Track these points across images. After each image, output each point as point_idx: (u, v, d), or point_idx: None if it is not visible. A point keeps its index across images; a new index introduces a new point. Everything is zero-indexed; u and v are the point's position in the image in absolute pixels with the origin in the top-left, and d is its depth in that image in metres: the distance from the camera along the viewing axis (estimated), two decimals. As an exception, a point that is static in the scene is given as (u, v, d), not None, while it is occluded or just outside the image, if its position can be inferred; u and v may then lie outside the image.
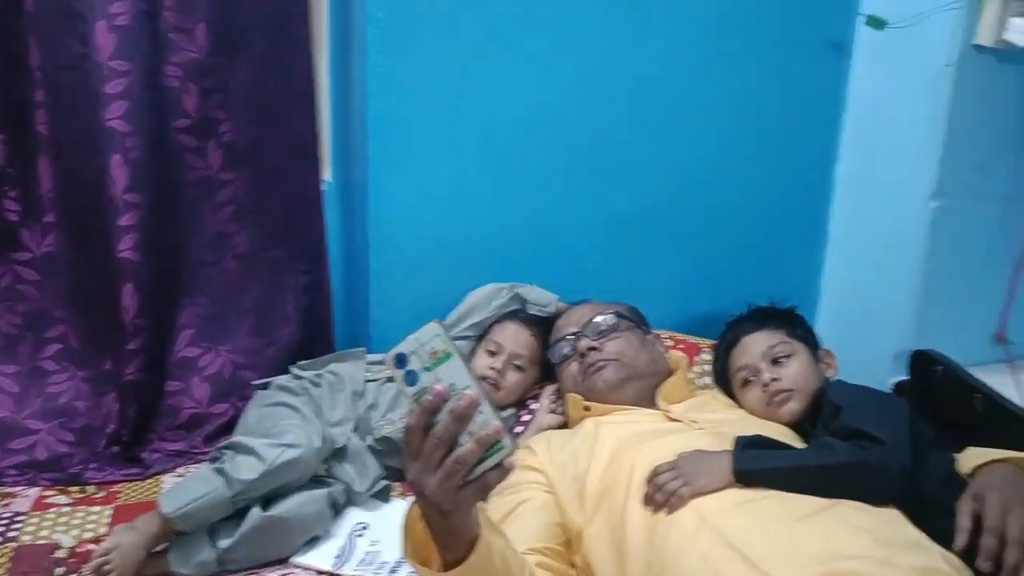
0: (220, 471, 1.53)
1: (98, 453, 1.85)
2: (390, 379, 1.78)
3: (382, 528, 1.62)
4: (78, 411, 1.89)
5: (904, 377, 1.85)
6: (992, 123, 1.86)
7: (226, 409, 1.95)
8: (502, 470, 0.91)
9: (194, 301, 1.96)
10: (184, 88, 1.84)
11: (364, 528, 1.64)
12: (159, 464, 1.84)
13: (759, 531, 1.19)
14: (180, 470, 1.83)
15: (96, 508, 1.70)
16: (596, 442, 1.46)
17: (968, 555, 1.19)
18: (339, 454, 1.71)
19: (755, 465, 1.29)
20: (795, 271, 2.19)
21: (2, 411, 1.84)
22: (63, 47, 1.75)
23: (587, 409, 1.61)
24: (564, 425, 1.70)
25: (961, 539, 1.20)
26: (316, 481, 1.64)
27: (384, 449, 1.75)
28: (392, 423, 1.75)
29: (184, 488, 1.53)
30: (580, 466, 1.44)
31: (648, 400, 1.61)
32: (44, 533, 1.60)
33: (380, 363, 1.87)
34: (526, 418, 1.82)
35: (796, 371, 1.57)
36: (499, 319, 1.90)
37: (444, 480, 0.89)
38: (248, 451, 1.56)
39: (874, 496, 1.27)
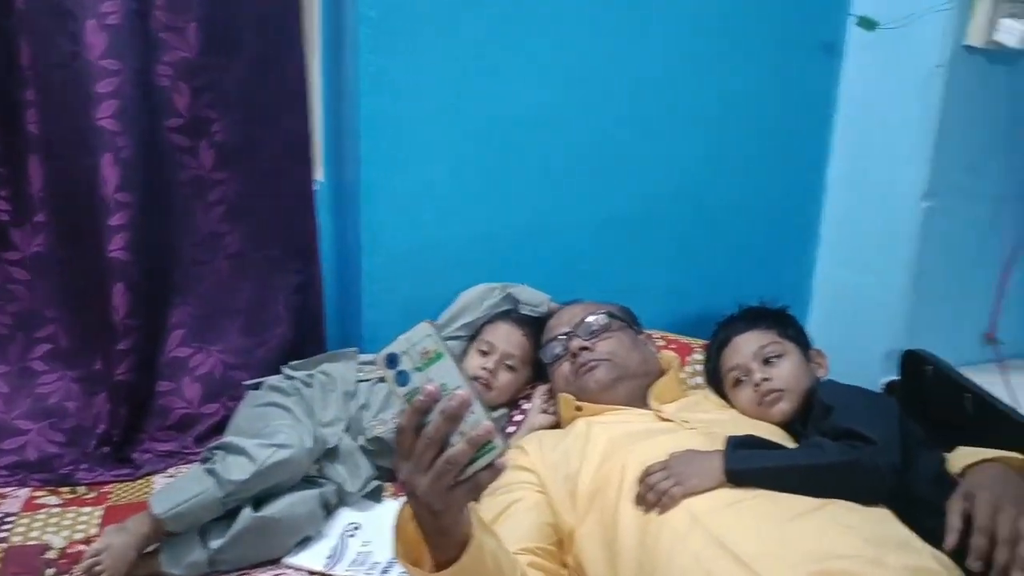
0: (211, 471, 1.52)
1: (88, 453, 1.84)
2: (382, 379, 1.78)
3: (374, 528, 1.62)
4: (68, 411, 1.89)
5: (895, 377, 1.86)
6: (983, 124, 1.87)
7: (217, 409, 1.94)
8: (493, 470, 0.91)
9: (185, 301, 1.96)
10: (175, 87, 1.83)
11: (356, 528, 1.64)
12: (150, 464, 1.84)
13: (750, 531, 1.20)
14: (171, 471, 1.83)
15: (87, 509, 1.69)
16: (588, 442, 1.46)
17: (958, 554, 1.20)
18: (331, 454, 1.71)
19: (746, 465, 1.29)
20: (787, 271, 2.20)
21: (-8, 411, 1.84)
22: (54, 46, 1.75)
23: (579, 409, 1.61)
24: (556, 425, 1.70)
25: (951, 538, 1.21)
26: (308, 481, 1.64)
27: (376, 449, 1.74)
28: (384, 423, 1.75)
29: (175, 489, 1.53)
30: (572, 466, 1.44)
31: (640, 400, 1.61)
32: (34, 534, 1.60)
33: (372, 363, 1.86)
34: (518, 418, 1.82)
35: (787, 371, 1.57)
36: (491, 319, 1.90)
37: (435, 480, 0.89)
38: (239, 451, 1.55)
39: (865, 496, 1.27)
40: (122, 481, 1.80)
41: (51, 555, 1.54)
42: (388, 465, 1.73)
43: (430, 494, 0.90)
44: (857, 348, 2.00)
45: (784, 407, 1.55)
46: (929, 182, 1.86)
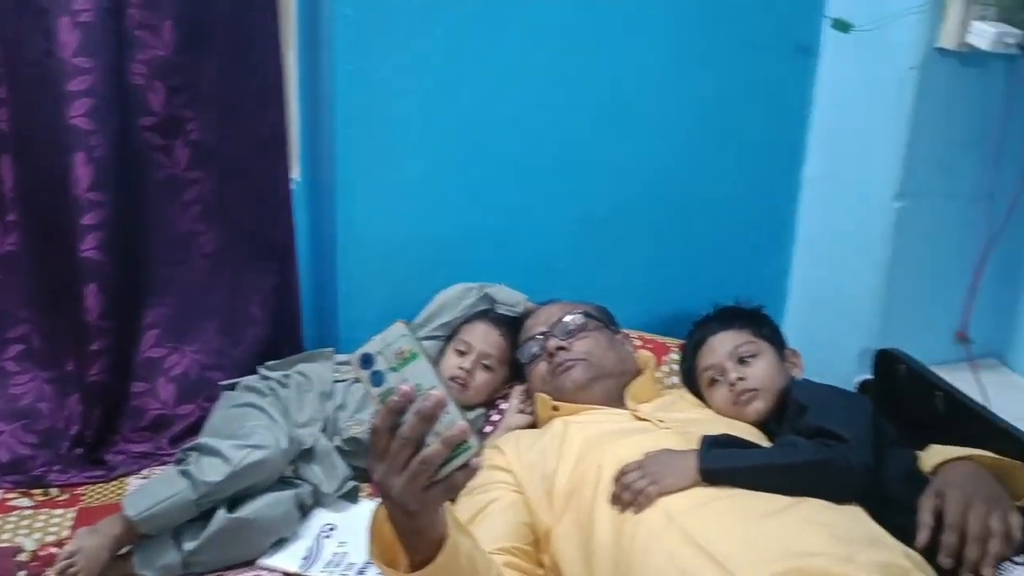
0: (185, 473, 1.51)
1: (62, 455, 1.82)
2: (358, 379, 1.77)
3: (350, 529, 1.62)
4: (41, 413, 1.86)
5: (869, 376, 1.87)
6: (955, 125, 1.89)
7: (192, 410, 1.93)
8: (468, 470, 0.90)
9: (160, 301, 1.94)
10: (150, 86, 1.81)
11: (332, 529, 1.63)
12: (124, 466, 1.82)
13: (724, 529, 1.20)
14: (145, 472, 1.81)
15: (59, 511, 1.67)
16: (564, 442, 1.47)
17: (930, 552, 1.21)
18: (307, 455, 1.70)
19: (721, 464, 1.30)
20: (763, 271, 2.21)
21: (-37, 413, 1.81)
22: (26, 44, 1.73)
23: (556, 409, 1.62)
24: (533, 425, 1.70)
25: (923, 536, 1.22)
26: (283, 482, 1.63)
27: (352, 450, 1.74)
28: (361, 423, 1.75)
29: (148, 490, 1.52)
30: (548, 466, 1.45)
31: (616, 400, 1.62)
32: (6, 536, 1.58)
33: (348, 363, 1.86)
34: (495, 418, 1.82)
35: (762, 370, 1.59)
36: (468, 319, 1.90)
37: (410, 481, 0.89)
38: (214, 452, 1.54)
39: (838, 494, 1.29)
40: (95, 483, 1.78)
41: (23, 557, 1.52)
42: (365, 466, 1.72)
43: (405, 495, 0.90)
44: (832, 347, 2.01)
45: (759, 406, 1.56)
46: (902, 182, 1.88)
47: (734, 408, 1.58)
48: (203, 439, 1.62)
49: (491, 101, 1.92)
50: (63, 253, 1.81)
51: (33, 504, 1.70)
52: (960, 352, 1.96)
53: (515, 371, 1.84)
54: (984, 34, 1.74)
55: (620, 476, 1.32)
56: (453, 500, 1.30)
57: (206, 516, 1.52)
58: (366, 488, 1.74)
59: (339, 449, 1.74)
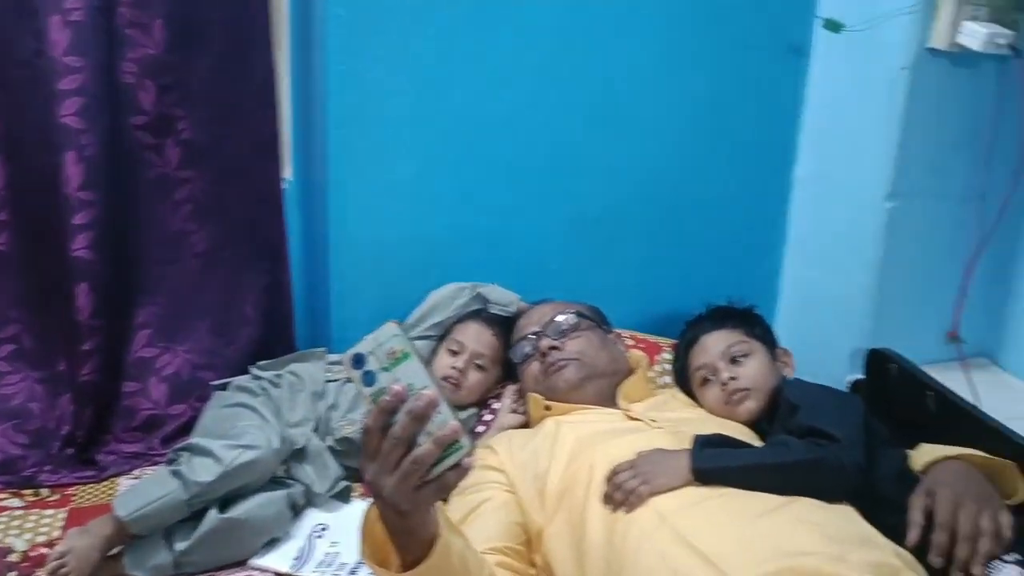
0: (176, 473, 1.51)
1: (53, 455, 1.81)
2: (350, 379, 1.77)
3: (342, 529, 1.61)
4: (32, 413, 1.86)
5: (860, 375, 1.88)
6: (946, 125, 1.89)
7: (184, 410, 1.92)
8: (460, 470, 0.91)
9: (151, 300, 1.93)
10: (141, 84, 1.81)
11: (324, 529, 1.63)
12: (115, 466, 1.82)
13: (716, 529, 1.20)
14: (137, 472, 1.81)
15: (50, 511, 1.67)
16: (556, 441, 1.47)
17: (920, 550, 1.22)
18: (299, 455, 1.70)
19: (713, 464, 1.30)
20: (754, 270, 2.21)
21: (-46, 413, 1.81)
22: (16, 43, 1.72)
23: (548, 408, 1.62)
24: (526, 425, 1.70)
25: (913, 535, 1.23)
26: (275, 482, 1.63)
27: (344, 450, 1.74)
28: (353, 423, 1.74)
29: (139, 491, 1.51)
30: (541, 465, 1.45)
31: (609, 399, 1.62)
32: (-4, 537, 1.58)
33: (341, 363, 1.86)
34: (488, 418, 1.82)
35: (754, 370, 1.59)
36: (461, 319, 1.90)
37: (402, 480, 0.89)
38: (205, 453, 1.54)
39: (829, 493, 1.29)
40: (86, 483, 1.78)
41: (13, 558, 1.52)
42: (357, 465, 1.72)
43: (396, 494, 0.90)
44: (823, 347, 2.02)
45: (751, 406, 1.57)
46: (893, 183, 1.88)
47: (726, 408, 1.58)
48: (194, 439, 1.62)
49: (483, 101, 1.92)
50: (54, 252, 1.81)
51: (24, 504, 1.69)
52: (951, 352, 1.97)
53: (508, 371, 1.84)
54: (975, 34, 1.75)
55: (612, 476, 1.32)
56: (445, 500, 1.31)
57: (198, 516, 1.51)
58: (358, 488, 1.74)
59: (331, 449, 1.74)
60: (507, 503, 1.42)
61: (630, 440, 1.40)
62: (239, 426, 1.63)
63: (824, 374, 1.69)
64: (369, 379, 0.91)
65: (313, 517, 1.66)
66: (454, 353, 1.83)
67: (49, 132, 1.74)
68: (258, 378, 1.85)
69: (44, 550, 1.52)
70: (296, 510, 1.65)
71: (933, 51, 1.81)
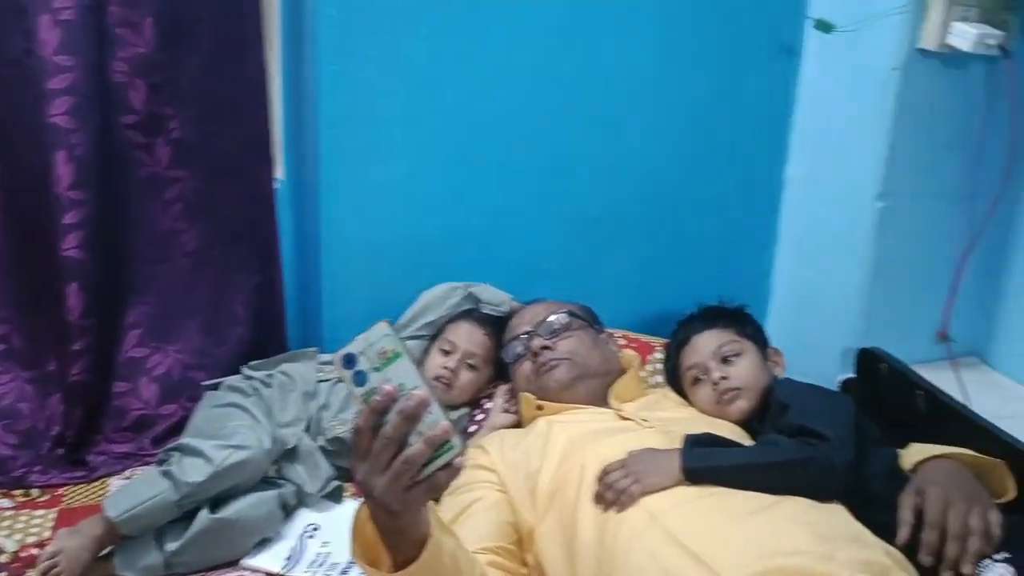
0: (167, 473, 1.50)
1: (42, 456, 1.81)
2: (341, 379, 1.77)
3: (333, 529, 1.61)
4: (22, 413, 1.85)
5: (851, 375, 1.88)
6: (937, 126, 1.90)
7: (175, 410, 1.92)
8: (451, 470, 0.91)
9: (142, 300, 1.93)
10: (131, 83, 1.80)
11: (315, 529, 1.63)
12: (105, 466, 1.81)
13: (707, 528, 1.21)
14: (128, 472, 1.80)
15: (40, 512, 1.66)
16: (548, 441, 1.47)
17: (910, 549, 1.22)
18: (290, 455, 1.70)
19: (703, 463, 1.31)
20: (746, 270, 2.22)
21: (-56, 413, 1.80)
22: (5, 42, 1.71)
23: (540, 408, 1.62)
24: (518, 424, 1.70)
25: (903, 533, 1.23)
26: (266, 482, 1.63)
27: (336, 449, 1.73)
28: (344, 423, 1.74)
29: (130, 491, 1.51)
30: (532, 465, 1.45)
31: (600, 399, 1.62)
32: (-14, 538, 1.57)
33: (332, 363, 1.85)
34: (480, 418, 1.82)
35: (745, 369, 1.59)
36: (453, 318, 1.90)
37: (393, 480, 0.89)
38: (196, 453, 1.54)
39: (819, 492, 1.29)
40: (77, 483, 1.77)
41: (3, 559, 1.51)
42: (348, 465, 1.71)
43: (387, 494, 0.90)
44: (814, 346, 2.02)
45: (742, 405, 1.57)
46: (884, 182, 1.88)
47: (717, 407, 1.58)
48: (185, 439, 1.61)
49: (475, 101, 1.92)
50: (44, 252, 1.80)
51: (14, 505, 1.69)
52: (942, 351, 1.97)
53: (500, 370, 1.84)
54: (965, 35, 1.75)
55: (603, 475, 1.32)
56: (437, 500, 1.31)
57: (189, 516, 1.51)
58: (350, 488, 1.74)
59: (322, 449, 1.74)
60: (498, 503, 1.43)
61: (621, 440, 1.41)
62: (230, 426, 1.63)
63: (815, 373, 1.69)
64: (360, 379, 0.91)
65: (304, 517, 1.66)
66: (446, 353, 1.83)
67: (39, 131, 1.73)
68: (249, 378, 1.84)
69: (34, 551, 1.52)
70: (287, 510, 1.65)
71: (923, 52, 1.81)
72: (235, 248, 1.97)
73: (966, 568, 1.19)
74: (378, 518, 0.95)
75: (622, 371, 1.70)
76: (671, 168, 2.11)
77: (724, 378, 1.58)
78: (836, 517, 1.27)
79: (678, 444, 1.35)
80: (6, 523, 1.61)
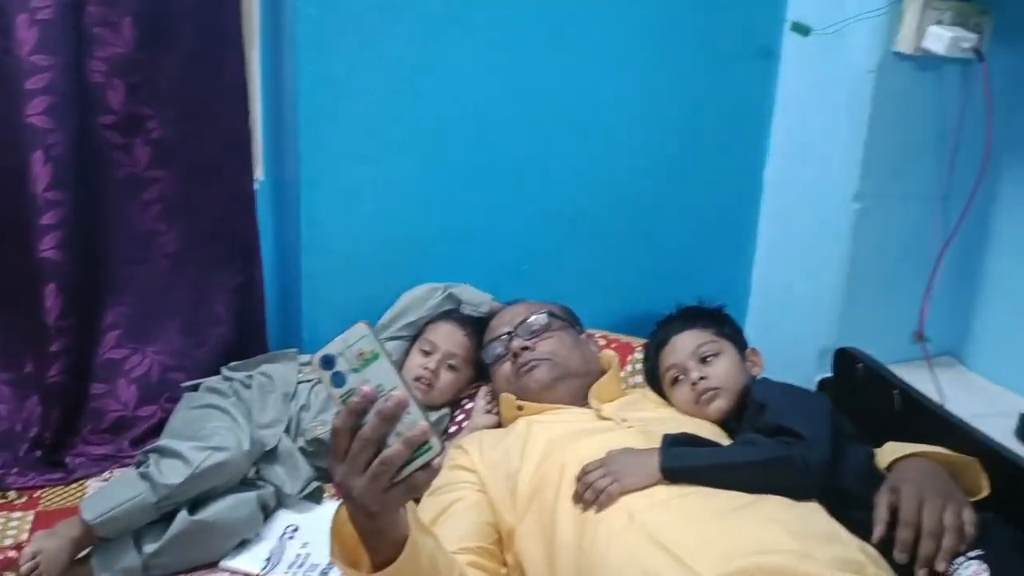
0: (145, 475, 1.50)
1: (20, 458, 1.79)
2: (321, 380, 1.76)
3: (313, 530, 1.61)
4: (-1, 415, 1.84)
5: (828, 375, 1.90)
6: (912, 128, 1.92)
7: (154, 412, 1.91)
8: (430, 471, 0.91)
9: (120, 301, 1.91)
10: (109, 83, 1.79)
11: (295, 531, 1.63)
12: (83, 468, 1.80)
13: (685, 527, 1.21)
14: (106, 474, 1.79)
15: (17, 514, 1.65)
16: (528, 442, 1.47)
17: (886, 546, 1.23)
18: (269, 456, 1.69)
19: (681, 463, 1.32)
20: (725, 271, 2.23)
21: (-80, 415, 1.78)
22: (-17, 42, 1.70)
23: (520, 409, 1.62)
24: (499, 425, 1.71)
25: (878, 531, 1.24)
26: (246, 484, 1.62)
27: (316, 451, 1.73)
28: (324, 424, 1.74)
29: (107, 493, 1.50)
30: (512, 465, 1.45)
31: (580, 399, 1.63)
32: (-38, 540, 1.56)
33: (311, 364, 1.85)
34: (461, 418, 1.82)
35: (723, 369, 1.60)
36: (433, 319, 1.90)
37: (371, 481, 0.89)
38: (174, 454, 1.53)
39: (796, 491, 1.30)
40: (54, 485, 1.76)
41: (-21, 561, 1.50)
42: (328, 466, 1.71)
43: (366, 495, 0.90)
44: (792, 346, 2.04)
45: (720, 405, 1.58)
46: (860, 184, 1.90)
47: (696, 407, 1.59)
48: (164, 441, 1.60)
49: (455, 102, 1.92)
50: (21, 253, 1.79)
51: (-9, 507, 1.68)
52: (917, 351, 1.99)
53: (480, 371, 1.84)
54: (940, 38, 1.77)
55: (582, 475, 1.33)
56: (416, 501, 1.31)
57: (167, 518, 1.50)
58: (329, 489, 1.73)
59: (302, 450, 1.73)
60: (478, 503, 1.43)
61: (601, 440, 1.41)
62: (208, 427, 1.63)
63: (793, 373, 1.70)
64: (338, 380, 0.91)
65: (284, 518, 1.65)
66: (426, 353, 1.83)
67: (16, 131, 1.72)
68: (229, 379, 1.84)
69: (11, 553, 1.51)
70: (267, 511, 1.64)
71: (899, 55, 1.83)
72: (214, 248, 1.96)
73: (940, 565, 1.20)
74: (357, 519, 0.95)
75: (602, 371, 1.70)
76: (651, 170, 2.12)
77: (703, 378, 1.59)
78: (813, 515, 1.28)
79: (657, 444, 1.36)
80: (-17, 525, 1.60)
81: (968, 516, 1.24)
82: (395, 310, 1.94)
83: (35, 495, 1.72)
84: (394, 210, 1.95)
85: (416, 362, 1.83)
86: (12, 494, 1.72)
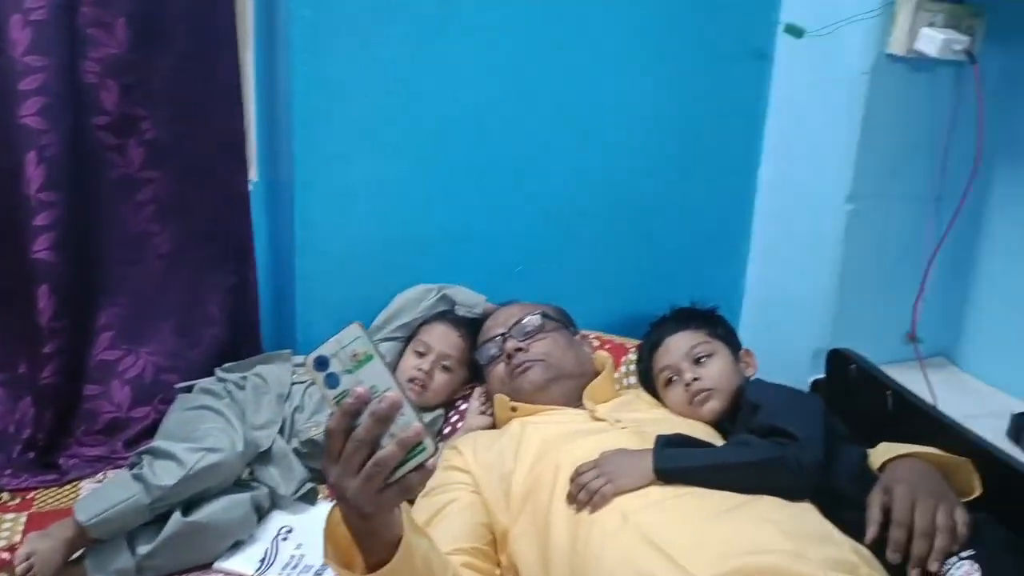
0: (138, 477, 1.50)
1: (13, 459, 1.79)
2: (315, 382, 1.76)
3: (307, 532, 1.61)
4: (-9, 416, 1.83)
5: (821, 375, 1.90)
6: (905, 129, 1.92)
7: (148, 413, 1.91)
8: (424, 472, 0.91)
9: (114, 302, 1.91)
10: (103, 84, 1.79)
11: (289, 532, 1.63)
12: (77, 470, 1.79)
13: (679, 527, 1.22)
14: (99, 476, 1.79)
15: (10, 515, 1.64)
16: (522, 443, 1.48)
17: (878, 547, 1.24)
18: (263, 457, 1.69)
19: (674, 463, 1.32)
20: (719, 272, 2.23)
21: (-87, 417, 1.78)
22: (-24, 43, 1.70)
23: (514, 410, 1.63)
24: (493, 426, 1.71)
25: (871, 531, 1.25)
26: (240, 485, 1.62)
27: (310, 452, 1.73)
28: (319, 425, 1.74)
29: (100, 495, 1.50)
30: (506, 466, 1.45)
31: (574, 400, 1.63)
32: (-45, 542, 1.55)
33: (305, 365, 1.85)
34: (455, 419, 1.82)
35: (717, 370, 1.61)
36: (427, 320, 1.90)
37: (365, 482, 0.89)
38: (167, 456, 1.53)
39: (790, 491, 1.30)
40: (48, 487, 1.75)
41: (-28, 563, 1.50)
42: (321, 467, 1.71)
43: (360, 496, 0.90)
44: (785, 348, 2.04)
45: (714, 406, 1.58)
46: (853, 185, 1.91)
47: (690, 408, 1.60)
48: (157, 442, 1.60)
49: (449, 102, 1.92)
50: (15, 254, 1.78)
51: (-17, 509, 1.67)
52: (910, 352, 2.00)
53: (474, 372, 1.84)
54: (933, 40, 1.78)
55: (576, 476, 1.33)
56: (411, 502, 1.31)
57: (161, 520, 1.50)
58: (323, 490, 1.73)
59: (296, 451, 1.73)
60: (472, 504, 1.43)
61: (595, 440, 1.42)
62: (202, 429, 1.63)
63: (786, 374, 1.71)
64: (332, 381, 0.91)
65: (278, 520, 1.65)
66: (420, 354, 1.83)
67: (10, 132, 1.72)
68: (223, 380, 1.84)
69: (5, 554, 1.50)
70: (261, 513, 1.64)
71: (892, 56, 1.84)
72: (208, 249, 1.96)
73: (933, 565, 1.20)
74: (351, 520, 0.95)
75: (596, 372, 1.71)
76: (645, 171, 2.12)
77: (696, 379, 1.59)
78: (806, 516, 1.28)
79: (651, 445, 1.36)
80: (-25, 527, 1.60)
81: (960, 516, 1.24)
82: (389, 311, 1.93)
83: (28, 496, 1.72)
84: (388, 211, 1.95)
85: (410, 363, 1.83)
86: (5, 496, 1.72)
